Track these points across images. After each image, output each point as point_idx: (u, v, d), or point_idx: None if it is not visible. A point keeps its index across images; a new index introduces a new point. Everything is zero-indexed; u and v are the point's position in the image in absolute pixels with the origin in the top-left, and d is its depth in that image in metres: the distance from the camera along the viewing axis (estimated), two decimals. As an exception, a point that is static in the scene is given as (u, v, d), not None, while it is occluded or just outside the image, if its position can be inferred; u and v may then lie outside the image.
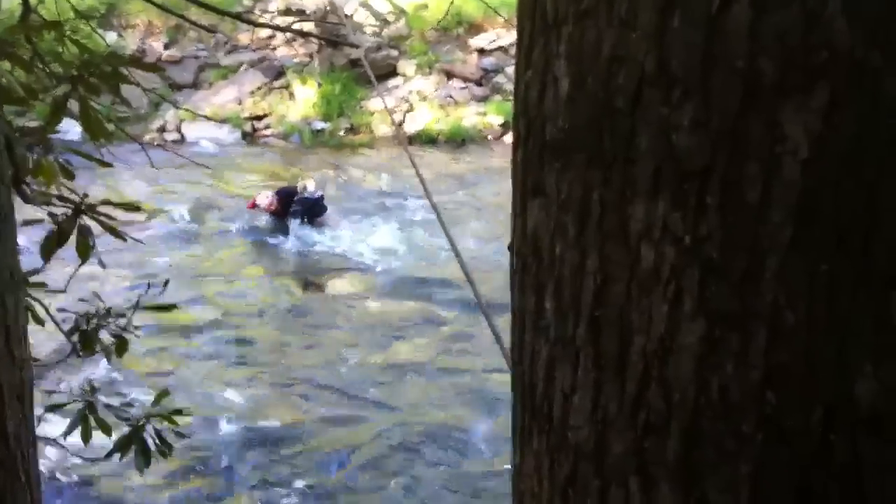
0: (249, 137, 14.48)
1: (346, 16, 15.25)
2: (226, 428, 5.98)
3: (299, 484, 5.45)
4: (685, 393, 0.79)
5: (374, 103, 14.87)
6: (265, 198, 9.73)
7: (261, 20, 12.07)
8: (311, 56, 15.59)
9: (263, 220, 9.96)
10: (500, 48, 16.09)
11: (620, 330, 0.84)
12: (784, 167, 0.71)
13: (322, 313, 8.08)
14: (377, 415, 6.25)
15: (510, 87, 11.75)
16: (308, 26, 13.72)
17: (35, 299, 2.64)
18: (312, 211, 9.70)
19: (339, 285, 8.79)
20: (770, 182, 0.72)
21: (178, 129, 14.10)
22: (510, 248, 1.04)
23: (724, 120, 0.73)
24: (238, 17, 7.08)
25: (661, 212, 0.78)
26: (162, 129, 13.92)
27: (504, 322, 1.27)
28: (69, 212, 2.53)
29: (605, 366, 0.86)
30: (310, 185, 9.96)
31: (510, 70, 14.07)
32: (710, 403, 0.77)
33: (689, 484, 0.80)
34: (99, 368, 5.87)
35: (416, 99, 15.12)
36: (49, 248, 2.53)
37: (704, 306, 0.77)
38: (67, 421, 2.76)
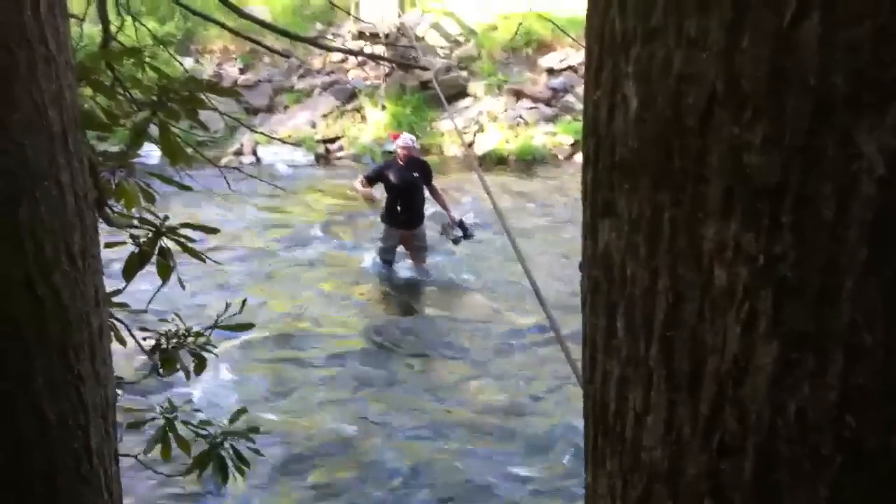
0: (323, 159, 14.74)
1: (416, 38, 15.43)
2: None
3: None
4: (761, 414, 0.78)
5: (444, 124, 15.01)
6: (410, 142, 8.90)
7: (333, 44, 12.30)
8: (382, 79, 15.81)
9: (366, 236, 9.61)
10: (569, 67, 16.10)
11: (693, 350, 0.83)
12: (860, 185, 0.70)
13: (421, 333, 8.08)
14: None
15: (580, 106, 11.73)
16: (379, 49, 13.92)
17: (118, 319, 2.72)
18: (462, 237, 9.00)
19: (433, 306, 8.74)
20: (845, 200, 0.71)
21: (254, 153, 14.42)
22: (581, 268, 1.04)
23: (796, 137, 0.72)
24: (311, 41, 7.22)
25: (734, 231, 0.78)
26: (238, 153, 14.24)
27: (575, 342, 1.27)
28: (150, 234, 2.61)
29: (678, 386, 0.85)
30: (468, 218, 9.34)
31: (580, 89, 14.05)
32: (786, 425, 0.76)
33: (765, 507, 0.79)
34: (179, 387, 6.00)
35: (485, 119, 15.20)
36: (131, 269, 2.61)
37: (780, 327, 0.76)
38: (147, 437, 2.84)
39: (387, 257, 9.15)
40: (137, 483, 4.99)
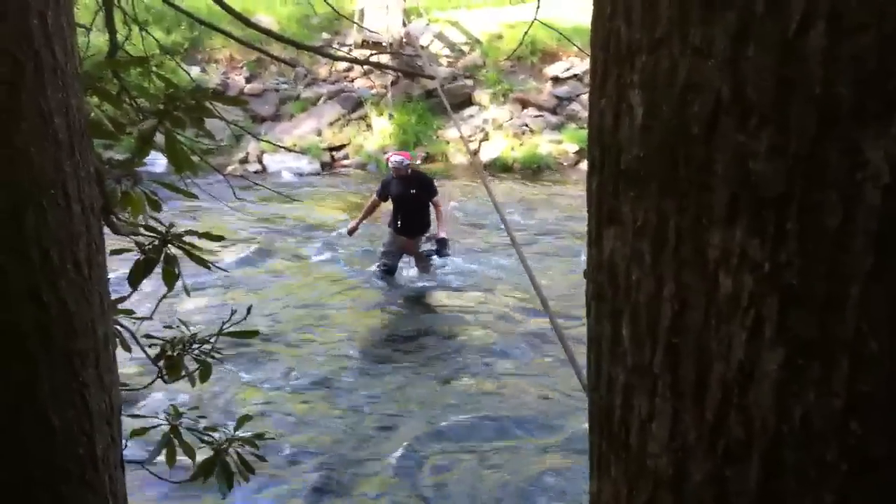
0: (328, 167, 14.76)
1: (421, 47, 15.46)
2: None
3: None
4: (766, 421, 0.78)
5: (449, 132, 15.04)
6: (397, 163, 9.07)
7: (339, 53, 12.32)
8: (387, 87, 15.84)
9: (349, 245, 9.66)
10: (574, 76, 16.13)
11: (699, 357, 0.83)
12: (865, 193, 0.70)
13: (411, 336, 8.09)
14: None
15: (585, 114, 11.76)
16: (385, 58, 13.95)
17: (123, 326, 2.73)
18: (434, 252, 9.19)
19: (431, 309, 8.79)
20: (850, 208, 0.71)
21: (260, 161, 14.44)
22: (586, 275, 1.04)
23: (801, 146, 0.73)
24: (317, 50, 7.24)
25: (739, 239, 0.78)
26: (244, 161, 14.27)
27: (580, 348, 1.27)
28: (156, 241, 2.61)
29: (683, 393, 0.85)
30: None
31: (585, 98, 14.07)
32: (792, 432, 0.76)
33: (770, 513, 0.79)
34: (183, 393, 6.00)
35: (491, 128, 15.23)
36: (136, 276, 2.61)
37: (785, 334, 0.76)
38: (153, 444, 2.84)
39: (388, 260, 9.32)
40: (143, 489, 4.99)
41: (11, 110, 1.57)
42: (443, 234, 9.15)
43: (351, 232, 9.50)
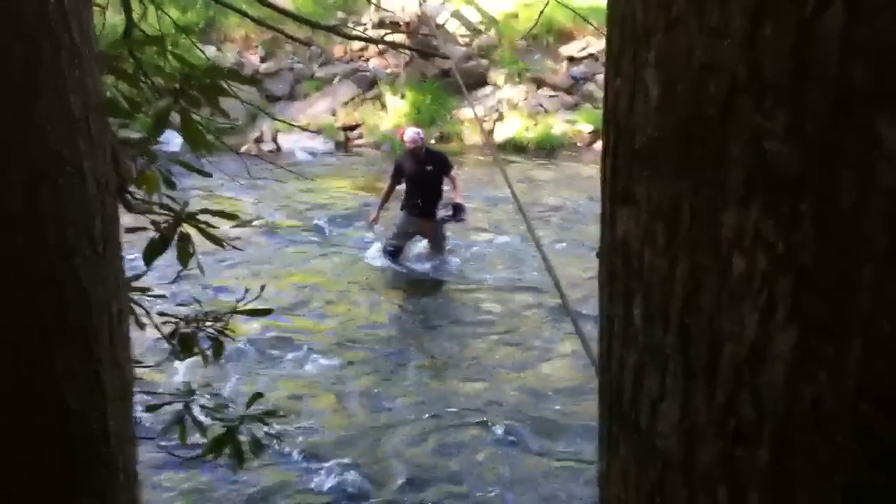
0: (343, 147, 14.76)
1: (437, 26, 15.40)
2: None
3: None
4: (777, 402, 0.78)
5: (464, 112, 15.00)
6: (414, 137, 9.00)
7: (354, 33, 12.29)
8: (402, 67, 15.79)
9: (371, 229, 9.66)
10: (590, 56, 16.05)
11: (710, 338, 0.83)
12: (879, 174, 0.70)
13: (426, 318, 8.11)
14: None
15: (601, 94, 11.69)
16: (400, 38, 13.90)
17: (137, 303, 2.74)
18: (450, 217, 9.15)
19: (438, 293, 8.79)
20: (865, 189, 0.71)
21: (275, 140, 14.45)
22: (599, 255, 1.04)
23: (817, 127, 0.72)
24: (332, 29, 7.19)
25: (753, 219, 0.78)
26: (259, 140, 14.28)
27: (591, 328, 1.28)
28: (170, 220, 2.62)
29: (694, 373, 0.86)
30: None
31: (601, 78, 14.00)
32: (802, 413, 0.76)
33: (779, 494, 0.79)
34: (196, 370, 6.05)
35: (505, 108, 15.19)
36: (151, 254, 2.63)
37: (798, 315, 0.76)
38: (164, 420, 2.87)
39: (397, 241, 9.16)
40: (155, 465, 5.03)
41: (28, 89, 1.58)
42: (459, 200, 9.10)
43: (373, 223, 9.40)
